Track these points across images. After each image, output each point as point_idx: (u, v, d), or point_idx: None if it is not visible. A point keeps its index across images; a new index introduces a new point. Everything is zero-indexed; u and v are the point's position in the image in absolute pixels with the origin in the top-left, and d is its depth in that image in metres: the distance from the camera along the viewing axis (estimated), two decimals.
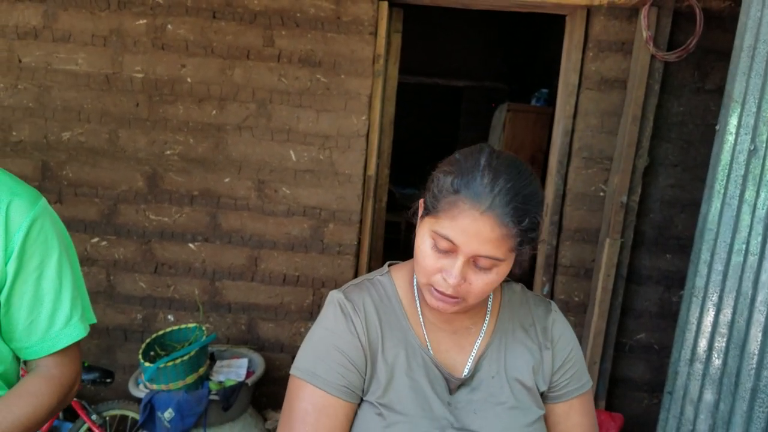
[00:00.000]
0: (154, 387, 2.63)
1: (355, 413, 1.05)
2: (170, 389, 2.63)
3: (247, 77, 2.94)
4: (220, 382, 2.77)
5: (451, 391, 1.06)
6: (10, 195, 1.07)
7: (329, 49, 2.88)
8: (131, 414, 2.80)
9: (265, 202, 3.06)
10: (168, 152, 3.01)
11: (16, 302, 1.09)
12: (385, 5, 2.84)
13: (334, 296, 1.09)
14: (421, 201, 1.04)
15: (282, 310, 3.14)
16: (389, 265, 1.17)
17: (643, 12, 2.73)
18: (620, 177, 2.85)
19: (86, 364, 2.67)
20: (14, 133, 2.95)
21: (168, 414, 2.56)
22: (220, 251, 3.11)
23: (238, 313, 3.16)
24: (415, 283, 1.12)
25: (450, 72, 6.71)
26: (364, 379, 1.04)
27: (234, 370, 2.89)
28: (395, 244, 6.56)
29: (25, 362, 1.17)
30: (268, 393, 3.17)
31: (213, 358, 2.93)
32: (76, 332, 1.14)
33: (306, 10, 2.85)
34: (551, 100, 5.74)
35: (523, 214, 0.93)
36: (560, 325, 1.14)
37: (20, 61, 2.92)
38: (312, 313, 3.13)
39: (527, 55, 6.61)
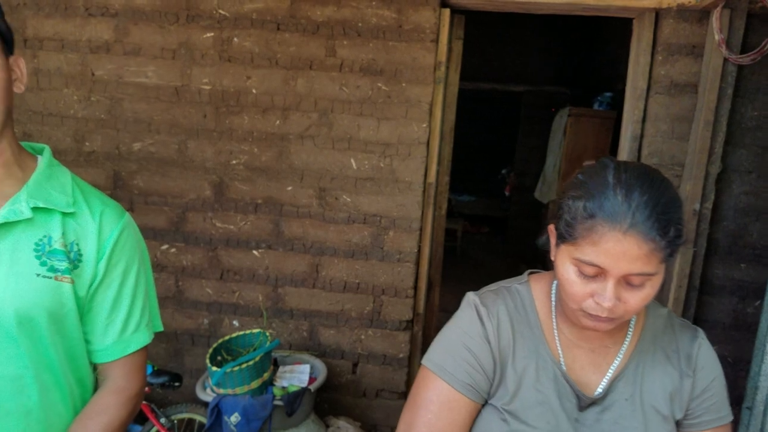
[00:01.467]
0: (221, 391, 2.69)
1: (479, 413, 1.07)
2: (236, 394, 2.68)
3: (310, 87, 2.98)
4: (284, 388, 2.81)
5: (580, 409, 1.05)
6: (102, 205, 1.17)
7: (390, 57, 2.89)
8: (199, 418, 2.88)
9: (326, 209, 3.09)
10: (234, 161, 3.09)
11: (97, 304, 1.16)
12: (447, 12, 2.84)
13: (470, 299, 1.11)
14: (551, 227, 1.04)
15: (342, 317, 3.16)
16: (529, 274, 1.16)
17: (715, 14, 2.62)
18: (692, 184, 2.74)
19: (155, 368, 2.75)
20: (87, 144, 3.09)
21: (234, 418, 2.61)
22: (282, 258, 3.16)
23: (300, 320, 3.20)
24: (553, 296, 1.11)
25: (508, 77, 6.63)
26: (491, 384, 1.06)
27: (297, 375, 2.93)
28: (452, 251, 6.52)
29: (94, 368, 1.23)
30: (329, 399, 3.19)
31: (276, 364, 2.97)
32: (144, 337, 1.22)
33: (368, 20, 2.87)
34: (614, 104, 5.59)
35: (666, 224, 0.90)
36: (705, 354, 1.10)
37: (93, 74, 3.06)
38: (372, 320, 3.13)
39: (589, 57, 6.47)
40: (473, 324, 1.07)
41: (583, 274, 0.95)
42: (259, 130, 3.05)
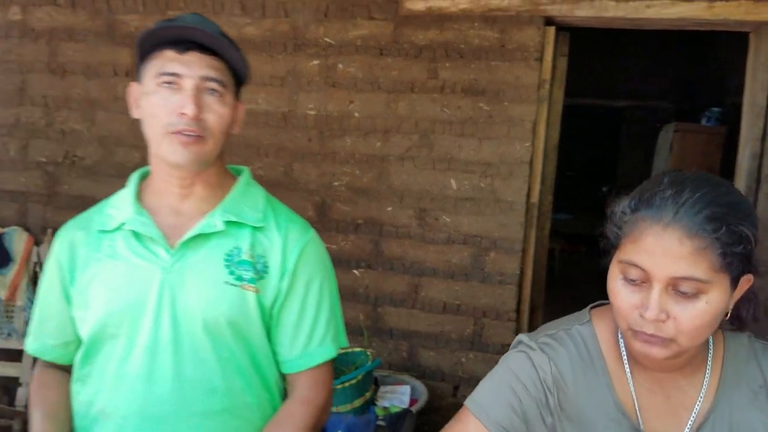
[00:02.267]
0: None
1: None
2: (339, 411, 2.72)
3: (411, 109, 3.02)
4: (385, 408, 2.82)
5: None
6: (289, 221, 1.26)
7: (493, 77, 2.88)
8: None
9: (425, 229, 3.10)
10: (336, 183, 3.17)
11: (284, 317, 1.22)
12: (552, 30, 2.80)
13: (524, 343, 0.99)
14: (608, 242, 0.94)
15: (442, 339, 3.14)
16: (591, 309, 1.03)
17: None
18: None
19: None
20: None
21: None
22: (382, 278, 3.19)
23: (400, 340, 3.21)
24: (620, 336, 0.97)
25: (609, 92, 6.43)
26: None
27: (398, 396, 2.93)
28: (549, 272, 6.32)
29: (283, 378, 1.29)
30: (430, 422, 3.17)
31: (377, 384, 2.99)
32: (329, 351, 1.25)
33: (470, 41, 2.88)
34: (723, 120, 5.28)
35: (718, 222, 0.80)
36: None
37: None
38: (473, 342, 3.09)
39: (695, 72, 6.15)
40: (524, 372, 0.95)
41: (627, 281, 0.86)
42: (360, 152, 3.12)
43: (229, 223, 1.18)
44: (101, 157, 3.33)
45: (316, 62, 3.08)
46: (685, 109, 6.09)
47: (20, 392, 3.24)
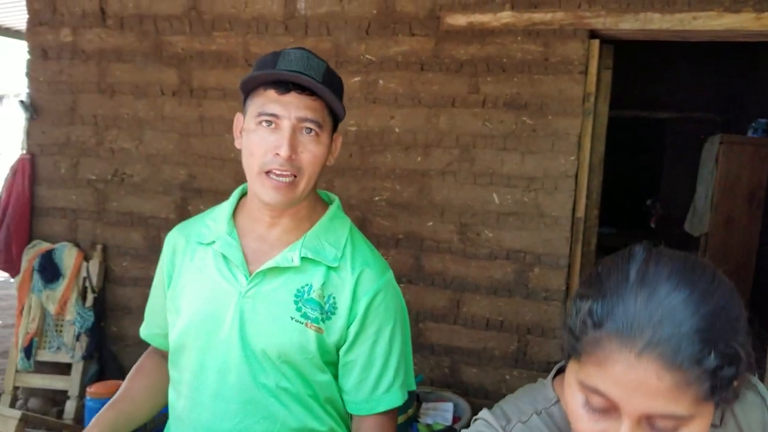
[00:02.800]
0: None
1: None
2: None
3: (452, 124, 3.02)
4: (428, 425, 2.79)
5: None
6: (363, 264, 1.22)
7: (536, 90, 2.86)
8: None
9: (467, 245, 3.08)
10: (376, 198, 3.17)
11: (350, 361, 1.22)
12: (596, 43, 2.77)
13: None
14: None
15: (485, 356, 3.10)
16: (554, 377, 0.87)
17: None
18: None
19: None
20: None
21: None
22: (423, 293, 3.17)
23: (441, 356, 3.17)
24: None
25: (652, 103, 6.30)
26: None
27: (440, 413, 2.90)
28: None
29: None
30: None
31: (419, 400, 2.96)
32: (396, 399, 1.23)
33: (513, 55, 2.87)
34: None
35: (705, 345, 0.63)
36: None
37: None
38: (517, 360, 3.04)
39: (741, 83, 6.00)
40: None
41: (590, 407, 0.69)
42: (401, 167, 3.12)
43: (305, 259, 1.19)
44: (149, 174, 3.41)
45: (357, 79, 3.10)
46: (731, 120, 5.93)
47: (68, 405, 3.31)
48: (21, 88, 3.76)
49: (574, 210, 2.90)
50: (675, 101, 6.26)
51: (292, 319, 1.17)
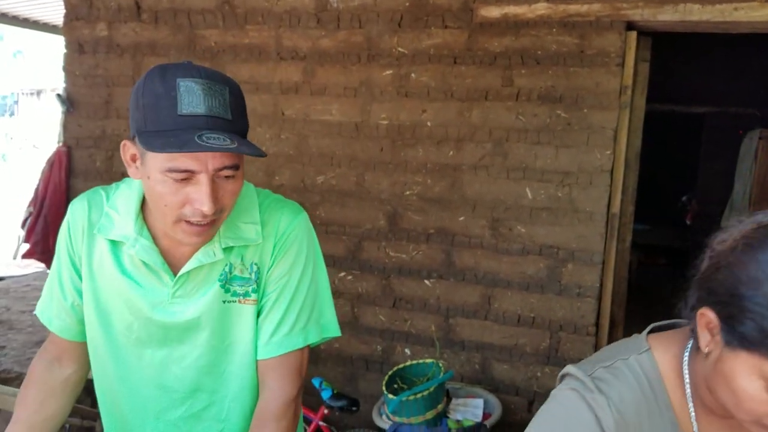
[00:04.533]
0: (397, 419, 2.72)
1: None
2: (411, 423, 2.69)
3: (484, 117, 2.98)
4: (458, 421, 2.77)
5: None
6: (274, 217, 1.18)
7: (571, 83, 2.81)
8: None
9: (499, 240, 3.04)
10: (407, 192, 3.16)
11: (263, 306, 1.19)
12: (633, 35, 2.71)
13: (576, 379, 0.87)
14: (709, 314, 0.80)
15: (516, 352, 3.06)
16: (649, 333, 0.92)
17: None
18: None
19: (335, 391, 2.85)
20: (277, 178, 3.34)
21: None
22: (453, 288, 3.15)
23: (472, 352, 3.15)
24: (685, 373, 0.87)
25: (689, 97, 6.16)
26: None
27: (470, 410, 2.88)
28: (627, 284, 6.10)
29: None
30: None
31: (449, 396, 2.95)
32: (296, 341, 1.18)
33: (547, 47, 2.82)
34: None
35: None
36: None
37: (283, 113, 3.31)
38: (549, 357, 3.00)
39: None
40: (580, 415, 0.83)
41: None
42: (432, 162, 3.10)
43: (227, 248, 1.15)
44: None
45: (389, 72, 3.09)
46: None
47: None
48: (58, 83, 3.83)
49: (609, 205, 2.85)
50: (713, 95, 6.10)
51: (224, 302, 1.15)
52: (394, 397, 2.71)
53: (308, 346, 1.20)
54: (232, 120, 1.01)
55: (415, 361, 2.99)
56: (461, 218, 3.10)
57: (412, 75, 3.05)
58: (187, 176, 1.00)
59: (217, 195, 1.02)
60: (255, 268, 1.16)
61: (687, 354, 0.87)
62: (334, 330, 1.25)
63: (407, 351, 3.25)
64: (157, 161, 1.00)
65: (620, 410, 0.83)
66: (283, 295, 1.17)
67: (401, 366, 2.97)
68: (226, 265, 1.15)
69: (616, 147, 2.80)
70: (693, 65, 6.18)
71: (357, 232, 3.26)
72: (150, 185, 1.03)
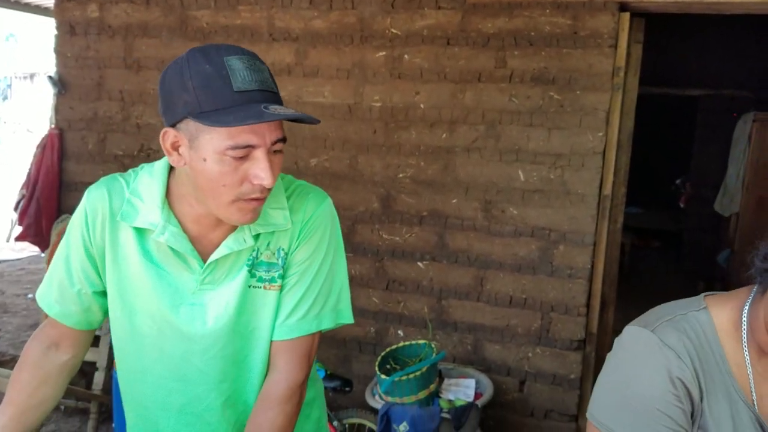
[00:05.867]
0: (389, 399, 2.75)
1: None
2: (404, 403, 2.72)
3: (478, 99, 2.98)
4: (450, 401, 2.80)
5: None
6: (301, 203, 1.19)
7: (564, 65, 2.80)
8: (368, 424, 2.95)
9: (491, 222, 3.05)
10: (401, 175, 3.16)
11: (282, 289, 1.19)
12: (626, 16, 2.70)
13: (644, 337, 0.95)
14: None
15: (508, 333, 3.09)
16: (704, 297, 1.01)
17: None
18: None
19: (328, 372, 2.87)
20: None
21: (403, 427, 2.65)
22: (446, 270, 3.17)
23: (464, 333, 3.18)
24: (744, 324, 0.96)
25: (683, 80, 6.15)
26: None
27: (462, 389, 2.91)
28: (619, 266, 6.14)
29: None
30: (495, 416, 3.13)
31: (441, 376, 2.97)
32: (309, 326, 1.19)
33: (540, 28, 2.81)
34: None
35: None
36: None
37: None
38: (540, 337, 3.03)
39: None
40: (659, 376, 0.92)
41: None
42: (425, 144, 3.10)
43: (257, 235, 1.15)
44: None
45: (382, 53, 3.07)
46: (765, 98, 5.76)
47: (97, 376, 3.39)
48: (51, 66, 3.80)
49: (600, 187, 2.86)
50: (707, 77, 6.10)
51: (250, 287, 1.16)
52: (387, 378, 2.73)
53: (320, 331, 1.21)
54: (276, 93, 1.05)
55: (407, 342, 3.02)
56: (454, 200, 3.11)
57: (405, 56, 3.04)
58: (246, 153, 1.02)
59: (275, 172, 1.05)
60: (282, 253, 1.17)
61: (748, 304, 0.95)
62: (347, 317, 1.26)
63: (400, 332, 3.28)
64: (216, 141, 1.00)
65: (690, 359, 0.92)
66: (302, 280, 1.18)
67: (394, 347, 2.99)
68: (254, 250, 1.16)
69: (609, 129, 2.80)
70: (688, 47, 6.16)
71: (350, 215, 3.27)
72: (205, 168, 1.02)
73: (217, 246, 1.14)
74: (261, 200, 1.08)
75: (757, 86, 5.96)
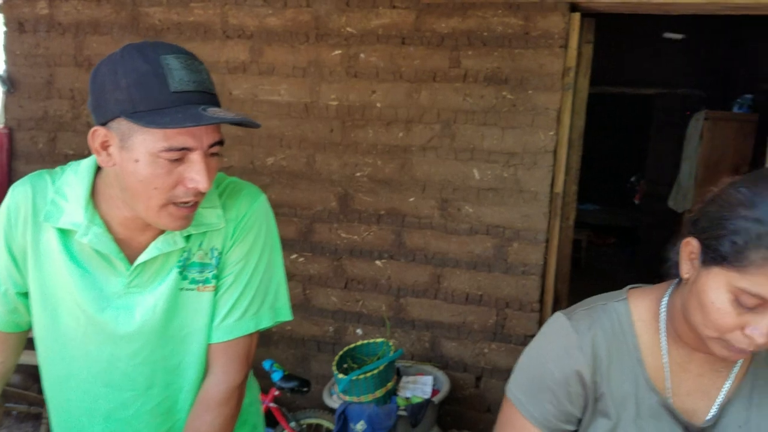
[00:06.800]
0: (347, 398, 2.75)
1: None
2: (361, 402, 2.73)
3: (433, 99, 3.00)
4: (407, 398, 2.82)
5: None
6: (234, 201, 1.17)
7: (516, 65, 2.84)
8: (326, 423, 2.96)
9: (447, 220, 3.08)
10: (358, 174, 3.16)
11: (218, 289, 1.17)
12: (577, 17, 2.74)
13: (559, 321, 1.01)
14: (689, 242, 0.91)
15: (465, 329, 3.12)
16: (629, 290, 1.05)
17: None
18: None
19: (286, 373, 2.86)
20: (226, 159, 3.30)
21: (360, 426, 2.66)
22: (404, 268, 3.19)
23: (422, 330, 3.20)
24: (662, 315, 0.99)
25: (638, 80, 6.29)
26: (582, 418, 1.00)
27: (420, 386, 2.93)
28: (575, 263, 6.26)
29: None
30: (452, 412, 3.16)
31: (399, 374, 2.99)
32: (247, 326, 1.17)
33: (493, 29, 2.84)
34: (757, 107, 5.14)
35: None
36: None
37: (230, 93, 3.26)
38: (495, 333, 3.07)
39: (727, 58, 5.99)
40: (561, 354, 0.98)
41: (740, 305, 0.84)
42: (382, 143, 3.11)
43: (188, 236, 1.12)
44: None
45: (337, 52, 3.07)
46: (718, 96, 5.94)
47: None
48: (0, 64, 3.69)
49: (552, 185, 2.91)
50: (661, 78, 6.25)
51: (182, 290, 1.13)
52: (344, 377, 2.74)
53: (258, 331, 1.20)
54: (215, 94, 1.03)
55: (365, 341, 3.03)
56: (411, 199, 3.13)
57: (361, 55, 3.04)
58: (182, 155, 0.98)
59: (210, 175, 1.02)
60: (216, 253, 1.14)
61: (668, 294, 1.00)
62: (286, 314, 1.24)
63: (359, 331, 3.28)
64: (150, 142, 0.97)
65: (594, 346, 0.97)
66: (238, 280, 1.16)
67: (352, 346, 2.99)
68: (185, 251, 1.12)
69: (560, 128, 2.85)
70: (644, 48, 6.31)
71: (308, 214, 3.26)
72: (136, 169, 0.99)
73: (146, 248, 1.11)
74: (194, 206, 1.05)
75: (709, 85, 6.13)
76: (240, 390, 1.18)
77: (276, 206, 3.25)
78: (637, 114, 7.08)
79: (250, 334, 1.18)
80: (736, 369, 0.98)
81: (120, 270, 1.11)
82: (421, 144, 3.05)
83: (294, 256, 3.30)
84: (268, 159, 3.24)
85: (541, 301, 3.00)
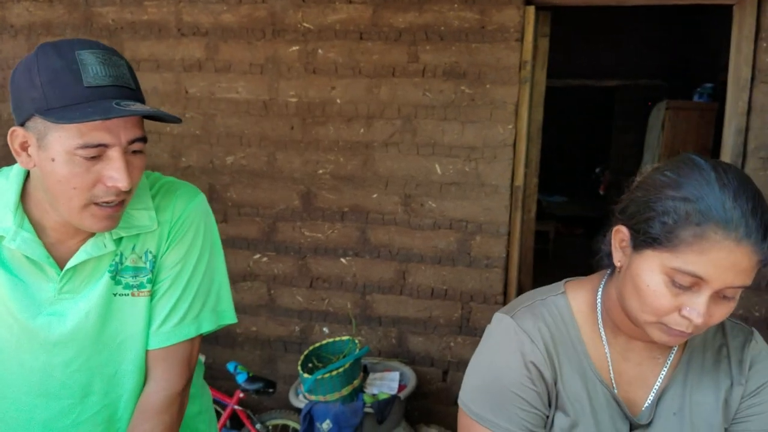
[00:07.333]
0: (313, 398, 2.74)
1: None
2: (327, 401, 2.72)
3: (393, 94, 2.99)
4: (374, 395, 2.81)
5: (632, 428, 0.97)
6: (169, 201, 1.14)
7: (473, 59, 2.84)
8: (292, 424, 2.94)
9: (411, 216, 3.08)
10: (320, 171, 3.14)
11: (154, 294, 1.14)
12: (531, 10, 2.75)
13: (503, 323, 0.98)
14: (620, 229, 0.91)
15: (431, 324, 3.13)
16: (565, 283, 1.05)
17: None
18: None
19: (250, 374, 2.84)
20: (183, 159, 3.25)
21: (326, 425, 2.65)
22: (369, 265, 3.17)
23: (388, 327, 3.19)
24: (598, 306, 0.99)
25: (600, 72, 6.37)
26: (548, 416, 0.98)
27: (386, 383, 2.93)
28: (544, 255, 6.33)
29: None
30: (420, 407, 3.16)
31: (366, 371, 2.99)
32: (187, 331, 1.15)
33: (450, 23, 2.84)
34: (716, 96, 5.24)
35: (766, 231, 0.82)
36: (759, 356, 0.98)
37: (187, 91, 3.21)
38: (461, 327, 3.08)
39: (686, 48, 6.09)
40: (512, 357, 0.95)
41: (675, 285, 0.84)
42: (344, 140, 3.09)
43: (118, 239, 1.09)
44: None
45: (295, 48, 3.04)
46: (679, 86, 6.05)
47: None
48: None
49: (513, 178, 2.92)
50: (624, 69, 6.34)
51: (116, 296, 1.10)
52: (309, 376, 2.72)
53: (200, 335, 1.17)
54: (136, 89, 1.00)
55: (331, 340, 3.01)
56: (374, 195, 3.11)
57: (319, 51, 3.02)
58: (99, 152, 0.96)
59: (131, 173, 0.99)
60: (150, 256, 1.11)
61: (602, 284, 1.00)
62: (230, 317, 1.22)
63: (325, 330, 3.27)
64: (65, 139, 0.94)
65: (543, 342, 0.96)
66: (176, 283, 1.13)
67: (317, 345, 2.98)
68: (117, 255, 1.09)
69: (518, 121, 2.86)
70: (605, 40, 6.39)
71: (271, 213, 3.23)
72: (53, 169, 0.96)
73: (76, 252, 1.08)
74: (118, 206, 1.02)
75: (669, 75, 6.24)
76: (182, 397, 1.15)
77: (237, 206, 3.23)
78: (601, 106, 7.17)
79: (191, 339, 1.16)
80: (671, 357, 0.99)
81: (51, 276, 1.08)
82: (382, 140, 3.04)
83: (257, 256, 3.27)
84: (228, 158, 3.20)
85: (505, 293, 3.02)
